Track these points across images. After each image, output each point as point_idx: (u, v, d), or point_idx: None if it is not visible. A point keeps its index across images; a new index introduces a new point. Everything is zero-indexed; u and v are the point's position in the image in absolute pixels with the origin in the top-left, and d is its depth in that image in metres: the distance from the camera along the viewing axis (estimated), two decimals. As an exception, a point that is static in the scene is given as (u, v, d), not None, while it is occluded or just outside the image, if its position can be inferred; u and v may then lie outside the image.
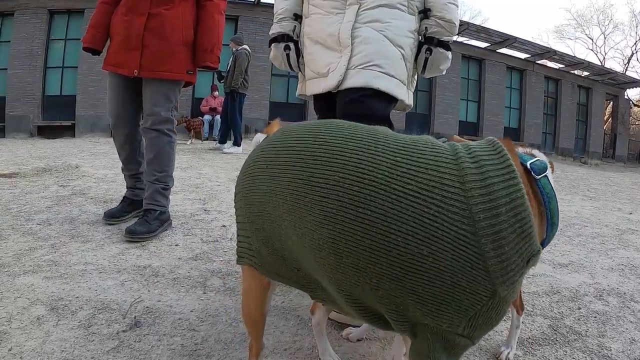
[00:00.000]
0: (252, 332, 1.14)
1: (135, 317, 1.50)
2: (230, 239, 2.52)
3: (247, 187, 0.95)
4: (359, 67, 1.66)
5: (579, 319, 1.86)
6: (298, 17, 1.92)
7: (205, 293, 1.78)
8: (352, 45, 1.67)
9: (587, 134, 19.76)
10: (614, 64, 31.18)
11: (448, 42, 1.79)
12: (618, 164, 20.44)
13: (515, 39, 15.27)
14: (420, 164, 0.78)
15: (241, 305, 1.14)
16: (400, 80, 1.72)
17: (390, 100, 1.72)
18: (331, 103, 1.78)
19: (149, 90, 2.48)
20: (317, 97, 1.86)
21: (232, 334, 1.50)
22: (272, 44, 1.92)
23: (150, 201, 2.50)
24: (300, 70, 1.94)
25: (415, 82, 1.93)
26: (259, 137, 1.16)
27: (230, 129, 7.55)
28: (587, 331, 1.75)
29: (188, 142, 8.91)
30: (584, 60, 18.79)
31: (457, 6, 1.77)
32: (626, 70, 28.85)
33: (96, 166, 4.75)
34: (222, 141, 7.73)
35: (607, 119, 23.11)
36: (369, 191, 0.76)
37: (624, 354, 1.60)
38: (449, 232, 0.73)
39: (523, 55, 17.03)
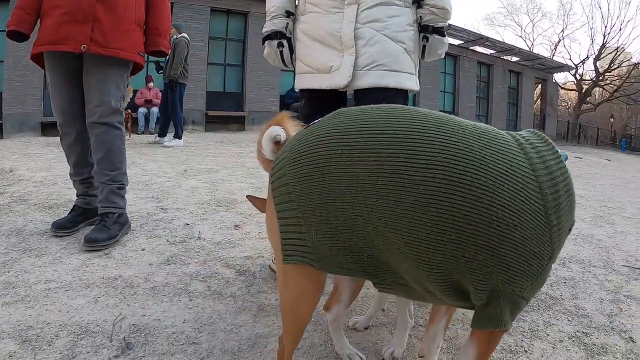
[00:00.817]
0: (295, 337, 1.09)
1: (124, 339, 1.32)
2: (198, 237, 2.35)
3: (308, 178, 0.91)
4: (365, 68, 1.76)
5: (551, 286, 2.05)
6: (290, 14, 1.94)
7: (191, 300, 1.62)
8: (355, 46, 1.75)
9: (518, 116, 20.72)
10: (542, 50, 33.12)
11: (443, 28, 1.87)
12: None
13: (449, 26, 15.40)
14: (499, 148, 0.87)
15: (285, 307, 1.07)
16: (406, 73, 1.81)
17: (404, 91, 1.83)
18: (334, 98, 1.84)
19: (97, 76, 2.20)
20: (315, 92, 1.88)
21: (237, 341, 1.37)
22: (266, 42, 1.96)
23: (106, 204, 2.26)
24: (293, 66, 1.99)
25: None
26: (275, 130, 1.07)
27: (171, 120, 7.17)
28: (561, 295, 1.95)
29: (127, 137, 8.33)
30: (514, 46, 19.74)
31: None
32: (553, 55, 30.47)
33: (33, 169, 4.29)
34: (162, 134, 7.32)
35: (537, 101, 24.36)
36: (472, 170, 0.82)
37: (598, 311, 1.83)
38: (530, 205, 0.83)
39: (457, 42, 17.39)
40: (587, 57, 30.90)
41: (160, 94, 8.96)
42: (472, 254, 0.82)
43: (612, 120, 35.99)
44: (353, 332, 1.50)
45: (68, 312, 1.47)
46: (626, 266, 2.49)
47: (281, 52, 1.94)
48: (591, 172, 8.91)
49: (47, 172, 4.04)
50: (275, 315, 1.56)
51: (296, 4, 1.96)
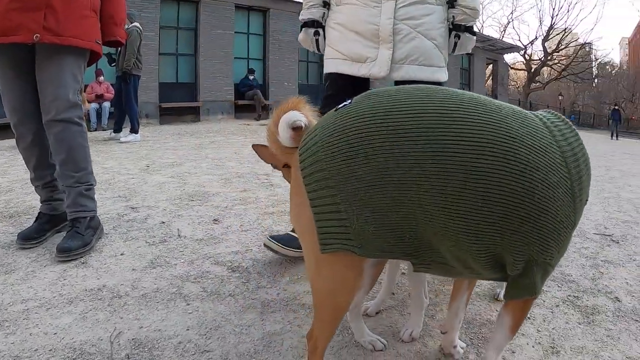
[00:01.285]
0: (331, 328, 1.04)
1: (127, 356, 1.18)
2: (179, 236, 2.21)
3: (349, 161, 0.88)
4: (400, 62, 1.90)
5: None
6: (326, 4, 2.06)
7: (189, 304, 1.49)
8: (393, 41, 1.88)
9: None
10: (492, 32, 33.70)
11: (472, 27, 2.04)
12: None
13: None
14: (532, 127, 0.91)
15: (321, 297, 1.01)
16: (437, 67, 1.96)
17: (435, 83, 1.90)
18: (360, 86, 1.87)
19: (52, 68, 1.98)
20: (344, 77, 1.99)
21: (250, 342, 1.28)
22: (303, 29, 2.11)
23: (76, 208, 2.07)
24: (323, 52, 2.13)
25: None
26: (295, 115, 1.00)
27: (126, 115, 6.78)
28: None
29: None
30: (465, 28, 20.11)
31: None
32: (503, 37, 31.14)
33: (-20, 177, 3.97)
34: (118, 130, 6.92)
35: (487, 81, 24.90)
36: (515, 147, 0.85)
37: (582, 276, 1.97)
38: (561, 178, 0.88)
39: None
40: (536, 38, 32.14)
41: (111, 87, 8.50)
42: (516, 226, 0.86)
43: (560, 97, 37.53)
44: (365, 318, 1.44)
45: (56, 333, 1.31)
46: (597, 234, 2.65)
47: (317, 40, 2.09)
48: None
49: (1, 177, 3.73)
50: (282, 311, 1.47)
51: None
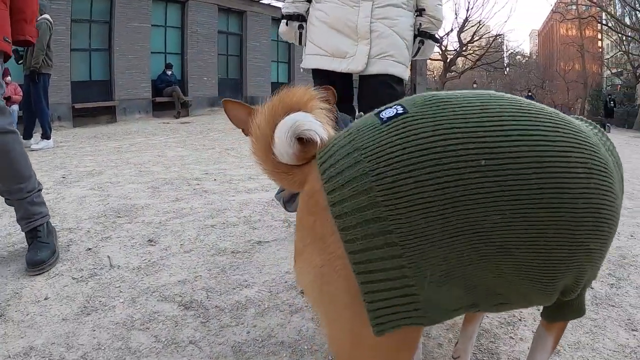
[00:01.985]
0: None
1: None
2: (111, 266, 1.89)
3: (428, 206, 0.60)
4: (377, 57, 2.04)
5: None
6: (309, 0, 2.18)
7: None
8: (370, 37, 2.02)
9: None
10: None
11: (435, 35, 2.23)
12: None
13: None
14: (582, 134, 0.71)
15: None
16: (405, 65, 2.12)
17: (401, 80, 2.13)
18: (343, 78, 2.11)
19: None
20: (326, 72, 2.11)
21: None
22: (287, 21, 2.20)
23: (30, 219, 1.94)
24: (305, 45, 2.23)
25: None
26: (304, 122, 0.68)
27: (36, 119, 6.02)
28: None
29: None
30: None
31: (442, 6, 2.22)
32: None
33: None
34: (28, 136, 6.06)
35: None
36: (600, 161, 0.69)
37: None
38: (609, 185, 0.70)
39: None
40: (452, 30, 33.33)
41: (19, 89, 7.41)
42: (598, 247, 0.71)
43: (475, 86, 39.98)
44: None
45: None
46: None
47: (300, 33, 2.20)
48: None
49: None
50: (259, 355, 1.25)
51: None
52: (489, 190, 0.61)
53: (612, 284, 1.98)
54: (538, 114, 0.69)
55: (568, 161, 0.65)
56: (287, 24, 2.23)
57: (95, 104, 10.17)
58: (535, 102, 0.73)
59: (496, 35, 35.98)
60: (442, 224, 0.61)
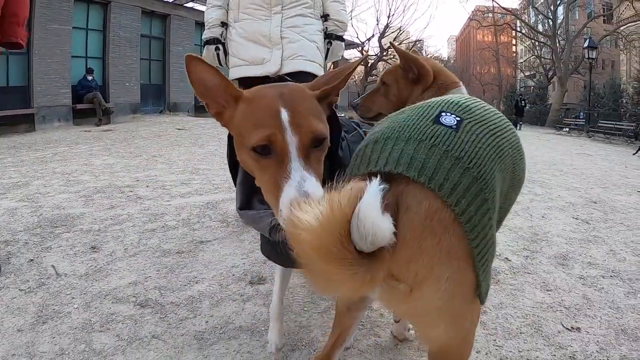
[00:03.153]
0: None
1: None
2: (57, 274, 1.87)
3: (505, 173, 0.89)
4: (289, 58, 2.25)
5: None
6: (224, 24, 2.38)
7: (109, 362, 1.26)
8: (282, 43, 2.24)
9: None
10: None
11: (342, 36, 2.48)
12: (340, 113, 23.93)
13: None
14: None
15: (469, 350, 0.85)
16: (318, 64, 2.33)
17: (315, 76, 2.24)
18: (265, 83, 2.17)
19: None
20: (251, 80, 2.24)
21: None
22: (205, 46, 2.38)
23: None
24: (227, 65, 2.40)
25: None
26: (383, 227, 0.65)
27: None
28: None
29: None
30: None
31: (346, 11, 2.49)
32: None
33: None
34: None
35: None
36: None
37: None
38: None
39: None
40: (373, 36, 33.90)
41: None
42: (515, 191, 1.03)
43: None
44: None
45: None
46: None
47: (218, 54, 2.36)
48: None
49: None
50: (222, 341, 1.34)
51: (228, 15, 2.38)
52: (515, 155, 0.93)
53: (527, 256, 2.33)
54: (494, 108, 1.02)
55: (516, 134, 0.98)
56: (206, 48, 2.40)
57: (12, 112, 9.38)
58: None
59: (416, 41, 37.28)
60: (509, 182, 0.92)
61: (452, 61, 58.75)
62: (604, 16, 30.23)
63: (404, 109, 0.96)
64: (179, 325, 1.44)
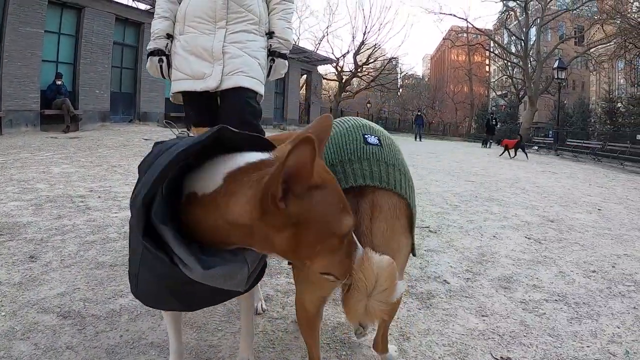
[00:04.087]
0: None
1: None
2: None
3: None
4: (229, 74, 2.22)
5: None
6: (170, 36, 2.35)
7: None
8: (223, 59, 2.22)
9: (285, 104, 21.77)
10: (308, 44, 34.64)
11: (285, 54, 2.45)
12: None
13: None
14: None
15: None
16: (258, 80, 2.31)
17: (256, 94, 2.32)
18: (208, 100, 2.31)
19: None
20: (192, 94, 2.29)
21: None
22: (149, 57, 2.35)
23: None
24: (169, 78, 2.37)
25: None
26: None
27: None
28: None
29: None
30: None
31: (292, 30, 2.48)
32: (317, 49, 32.11)
33: None
34: None
35: (301, 89, 26.04)
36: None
37: (412, 267, 2.08)
38: None
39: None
40: (348, 52, 34.11)
41: None
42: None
43: (369, 105, 41.29)
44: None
45: None
46: (416, 227, 2.82)
47: (161, 66, 2.34)
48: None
49: None
50: (130, 355, 1.43)
51: (175, 27, 2.34)
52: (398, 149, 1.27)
53: (468, 279, 2.27)
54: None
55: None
56: (149, 60, 2.37)
57: (-21, 115, 9.21)
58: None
59: (391, 58, 37.62)
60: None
61: (426, 79, 59.82)
62: (575, 38, 31.37)
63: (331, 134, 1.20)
64: (94, 337, 1.53)
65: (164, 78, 2.41)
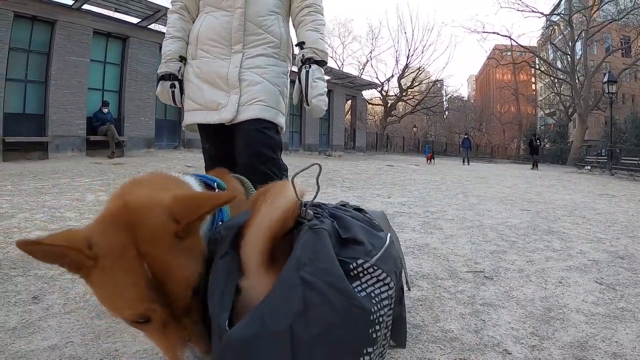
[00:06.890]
0: None
1: None
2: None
3: None
4: (247, 104, 1.99)
5: (410, 312, 1.89)
6: (183, 59, 2.14)
7: None
8: (240, 87, 1.99)
9: (330, 130, 22.02)
10: (352, 69, 35.06)
11: (322, 61, 2.06)
12: (359, 154, 23.64)
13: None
14: None
15: None
16: (279, 111, 2.08)
17: (276, 125, 2.08)
18: (225, 132, 2.07)
19: None
20: (207, 127, 2.11)
21: None
22: (160, 81, 2.15)
23: None
24: (182, 106, 2.17)
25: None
26: None
27: None
28: (423, 321, 1.83)
29: None
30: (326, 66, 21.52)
31: (326, 43, 2.13)
32: (362, 74, 32.70)
33: None
34: None
35: (346, 115, 26.24)
36: None
37: (465, 329, 1.76)
38: None
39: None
40: (392, 76, 34.57)
41: None
42: None
43: (414, 129, 41.15)
44: None
45: None
46: (469, 272, 2.52)
47: (173, 92, 2.13)
48: (404, 179, 9.45)
49: None
50: None
51: (188, 49, 2.14)
52: None
53: (533, 346, 1.72)
54: None
55: None
56: (160, 84, 2.18)
57: (27, 139, 9.65)
58: None
59: (435, 81, 37.56)
60: None
61: (472, 100, 58.92)
62: (622, 49, 30.10)
63: None
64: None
65: (176, 106, 2.21)
